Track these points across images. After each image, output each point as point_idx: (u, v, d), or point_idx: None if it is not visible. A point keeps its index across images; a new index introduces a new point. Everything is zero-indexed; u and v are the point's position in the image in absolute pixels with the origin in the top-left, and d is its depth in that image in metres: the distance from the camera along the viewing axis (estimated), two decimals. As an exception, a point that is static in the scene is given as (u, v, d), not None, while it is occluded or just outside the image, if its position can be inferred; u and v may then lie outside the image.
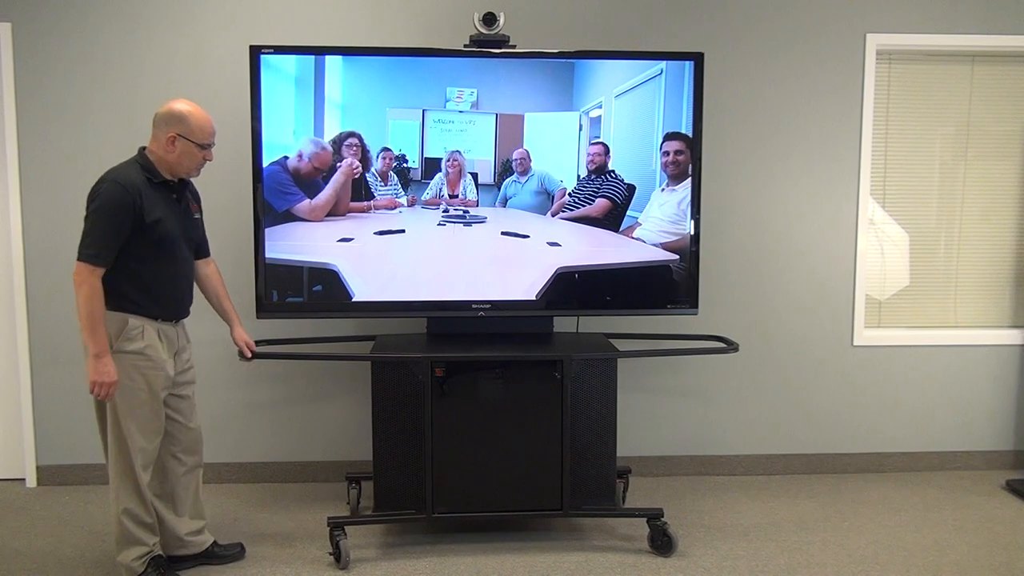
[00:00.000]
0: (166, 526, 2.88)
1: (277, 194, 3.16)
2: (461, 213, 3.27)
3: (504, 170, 3.27)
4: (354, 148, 3.19)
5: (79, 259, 2.57)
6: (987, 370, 4.05)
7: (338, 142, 3.17)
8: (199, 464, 2.94)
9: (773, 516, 3.49)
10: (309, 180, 3.17)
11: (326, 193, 3.18)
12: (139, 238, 2.61)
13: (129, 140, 3.65)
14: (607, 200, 3.28)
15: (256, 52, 3.13)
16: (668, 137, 3.28)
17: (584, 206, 3.28)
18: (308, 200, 3.18)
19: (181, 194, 2.78)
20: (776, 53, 3.81)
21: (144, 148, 2.72)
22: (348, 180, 3.18)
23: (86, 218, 2.60)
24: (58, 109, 3.64)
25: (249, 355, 3.03)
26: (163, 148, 2.66)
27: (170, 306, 2.75)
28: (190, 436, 2.89)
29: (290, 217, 3.18)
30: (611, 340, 3.42)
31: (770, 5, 3.80)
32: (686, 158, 3.28)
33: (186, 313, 2.84)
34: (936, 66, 3.92)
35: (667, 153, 3.28)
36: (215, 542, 3.04)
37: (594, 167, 3.26)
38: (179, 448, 2.86)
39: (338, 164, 3.18)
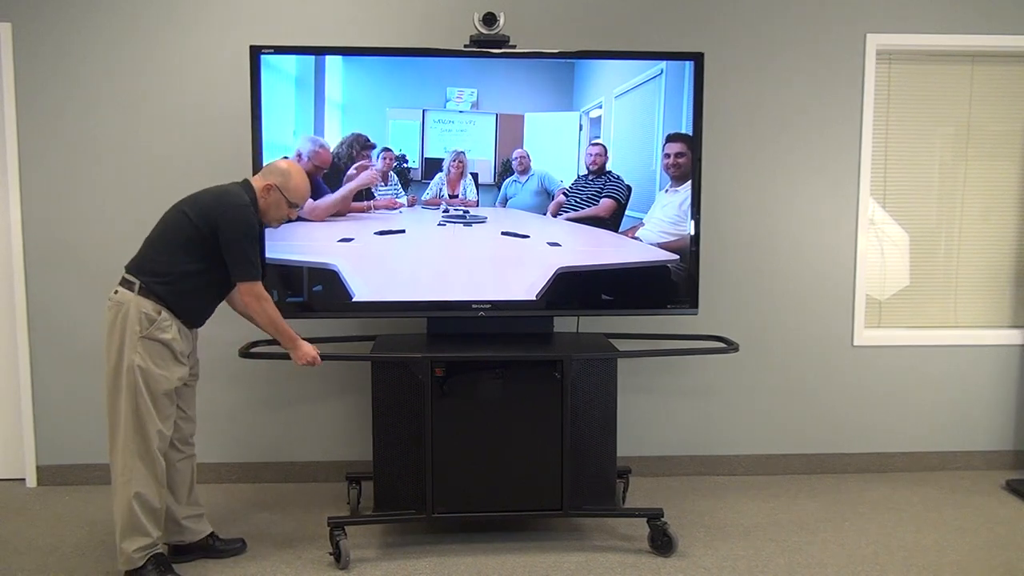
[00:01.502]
0: (166, 509, 2.90)
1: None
2: (461, 213, 3.27)
3: (504, 170, 3.27)
4: (367, 155, 3.20)
5: (250, 279, 2.76)
6: (987, 370, 4.05)
7: (353, 145, 3.17)
8: (193, 453, 3.01)
9: (773, 516, 3.49)
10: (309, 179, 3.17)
11: (334, 197, 3.19)
12: (223, 262, 2.76)
13: (129, 140, 3.67)
14: (613, 200, 3.28)
15: (256, 52, 3.14)
16: (669, 139, 3.28)
17: (588, 206, 3.28)
18: (310, 199, 3.18)
19: None
20: (776, 53, 3.81)
21: (247, 180, 2.87)
22: (357, 189, 3.19)
23: (238, 238, 2.71)
24: (58, 109, 3.64)
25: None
26: (260, 191, 2.84)
27: (198, 318, 2.89)
28: (188, 427, 2.96)
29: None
30: (611, 340, 3.42)
31: (770, 5, 3.80)
32: (687, 160, 3.28)
33: (203, 324, 2.95)
34: (936, 66, 3.93)
35: (668, 155, 3.28)
36: (215, 535, 3.06)
37: (596, 167, 3.27)
38: (177, 436, 2.91)
39: (348, 166, 3.17)
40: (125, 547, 2.74)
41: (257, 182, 2.86)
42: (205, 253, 2.74)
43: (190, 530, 2.98)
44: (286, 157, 3.09)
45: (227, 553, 3.05)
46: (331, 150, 3.18)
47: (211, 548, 3.03)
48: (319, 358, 2.94)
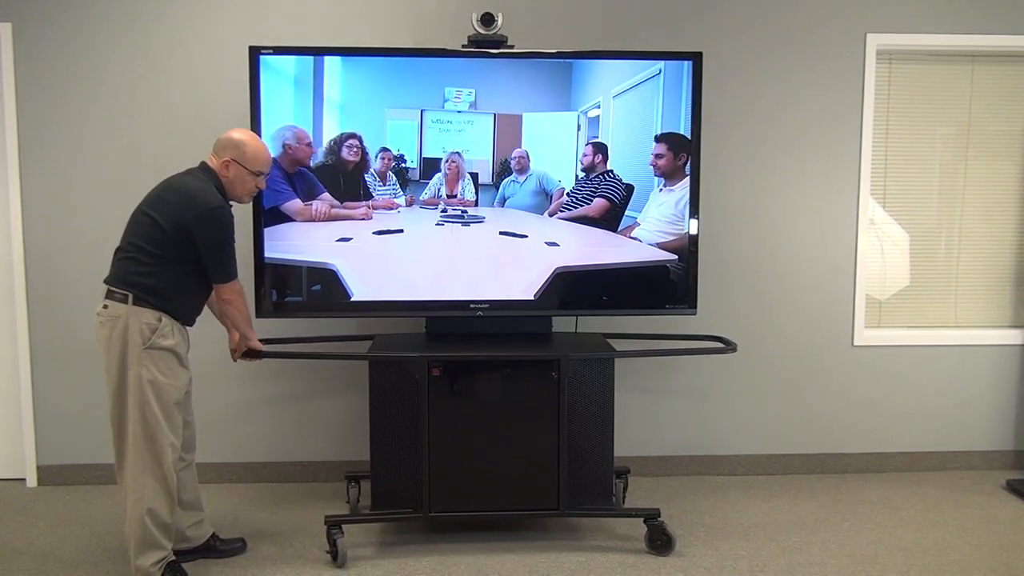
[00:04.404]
0: None
1: (267, 190, 3.13)
2: (459, 213, 3.27)
3: (502, 170, 3.27)
4: (354, 149, 3.19)
5: (230, 280, 2.77)
6: (987, 370, 4.04)
7: (338, 143, 3.18)
8: (193, 459, 2.98)
9: (773, 516, 3.49)
10: (294, 171, 3.17)
11: (331, 211, 3.19)
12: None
13: (129, 140, 3.68)
14: (605, 200, 3.28)
15: (255, 53, 3.14)
16: (655, 139, 3.28)
17: (582, 206, 3.29)
18: (299, 200, 3.18)
19: None
20: (776, 53, 3.81)
21: (204, 164, 2.81)
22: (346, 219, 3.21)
23: (216, 243, 2.69)
24: (58, 109, 3.65)
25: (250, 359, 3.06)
26: (219, 169, 2.79)
27: (192, 314, 2.85)
28: (190, 432, 2.93)
29: (278, 214, 3.17)
30: (610, 340, 3.42)
31: (770, 5, 3.79)
32: (667, 161, 3.28)
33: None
34: (936, 66, 3.92)
35: (652, 156, 3.29)
36: (215, 535, 3.07)
37: (583, 167, 3.26)
38: (181, 444, 2.87)
39: (333, 158, 3.18)
40: (141, 563, 2.72)
41: (214, 161, 2.79)
42: (182, 254, 2.69)
43: (193, 537, 2.98)
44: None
45: (227, 553, 3.05)
46: (313, 143, 3.17)
47: (212, 548, 3.03)
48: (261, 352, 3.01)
